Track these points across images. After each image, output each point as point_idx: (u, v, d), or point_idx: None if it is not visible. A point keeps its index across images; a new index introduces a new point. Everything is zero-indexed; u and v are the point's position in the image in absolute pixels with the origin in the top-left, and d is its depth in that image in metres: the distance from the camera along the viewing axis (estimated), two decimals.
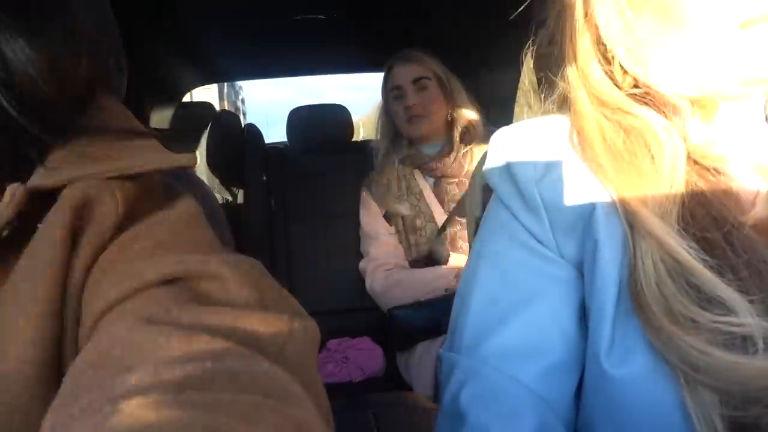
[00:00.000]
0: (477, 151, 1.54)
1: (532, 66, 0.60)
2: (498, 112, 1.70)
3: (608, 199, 0.44)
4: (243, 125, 1.87)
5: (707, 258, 0.39)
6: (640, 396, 0.40)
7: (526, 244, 0.48)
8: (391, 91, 1.56)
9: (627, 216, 0.43)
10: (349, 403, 0.86)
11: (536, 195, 0.48)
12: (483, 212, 0.84)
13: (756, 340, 0.35)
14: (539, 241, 0.48)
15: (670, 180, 0.42)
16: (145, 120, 2.06)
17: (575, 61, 0.49)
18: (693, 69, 0.42)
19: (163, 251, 0.36)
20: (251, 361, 0.27)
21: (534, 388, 0.45)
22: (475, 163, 1.54)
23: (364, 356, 1.55)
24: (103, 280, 0.34)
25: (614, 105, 0.47)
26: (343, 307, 1.76)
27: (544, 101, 0.59)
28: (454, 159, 1.53)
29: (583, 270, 0.46)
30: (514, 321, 0.47)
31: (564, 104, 0.54)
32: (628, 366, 0.40)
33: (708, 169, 0.43)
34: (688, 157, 0.44)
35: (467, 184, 1.52)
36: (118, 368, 0.26)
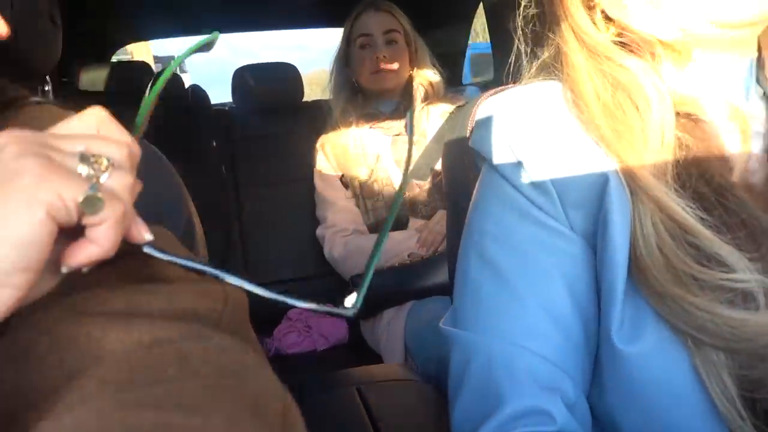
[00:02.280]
0: (433, 109, 1.51)
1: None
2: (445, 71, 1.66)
3: (614, 168, 0.44)
4: (186, 86, 1.75)
5: (705, 216, 0.39)
6: (652, 371, 0.40)
7: (538, 220, 0.47)
8: (357, 39, 1.49)
9: (626, 179, 0.43)
10: (328, 380, 0.83)
11: (542, 170, 0.47)
12: (461, 178, 0.81)
13: (756, 296, 0.36)
14: (551, 216, 0.46)
15: (661, 136, 0.42)
16: (72, 81, 1.89)
17: (564, 13, 0.49)
18: (668, 9, 0.42)
19: None
20: (198, 337, 0.26)
21: (552, 359, 0.44)
22: (431, 122, 1.51)
23: (327, 324, 1.53)
24: None
25: (603, 53, 0.46)
26: (302, 274, 1.72)
27: (529, 67, 0.57)
28: (411, 116, 1.49)
29: (595, 244, 0.45)
30: (530, 301, 0.45)
31: (551, 68, 0.52)
32: (639, 342, 0.41)
33: (694, 122, 0.44)
34: (676, 113, 0.44)
35: (424, 144, 1.50)
36: (52, 368, 0.25)
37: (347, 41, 1.52)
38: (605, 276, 0.43)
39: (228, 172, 1.75)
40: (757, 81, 0.47)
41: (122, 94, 1.81)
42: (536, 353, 0.44)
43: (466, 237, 0.53)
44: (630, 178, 0.42)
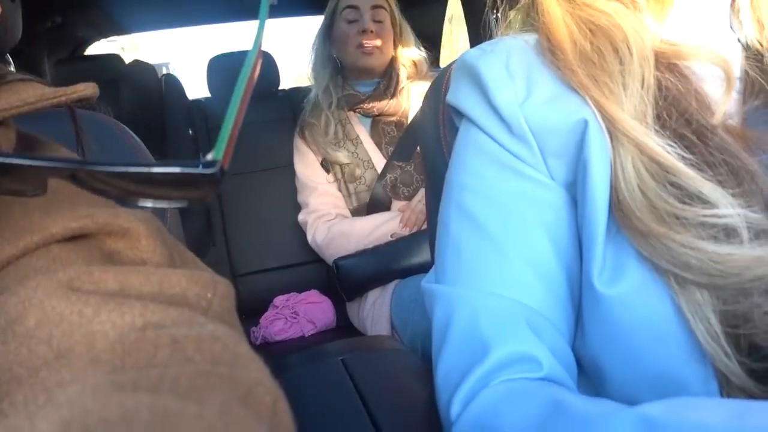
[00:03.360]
0: (414, 88, 1.50)
1: None
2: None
3: (593, 114, 0.43)
4: (160, 76, 1.72)
5: (686, 155, 0.39)
6: (634, 312, 0.40)
7: (518, 171, 0.46)
8: (342, 12, 1.45)
9: (606, 123, 0.42)
10: (311, 354, 0.82)
11: (521, 120, 0.46)
12: (436, 145, 0.80)
13: (740, 231, 0.36)
14: (531, 167, 0.46)
15: (640, 79, 0.42)
16: (42, 76, 1.85)
17: None
18: None
19: (57, 201, 0.33)
20: (192, 323, 0.26)
21: (536, 308, 0.43)
22: (411, 101, 1.50)
23: (313, 309, 1.52)
24: None
25: (580, 0, 0.47)
26: (286, 262, 1.71)
27: (503, 21, 0.58)
28: (392, 96, 1.48)
29: (575, 193, 0.45)
30: (512, 252, 0.45)
31: (526, 19, 0.53)
32: (620, 284, 0.40)
33: (674, 66, 0.43)
34: (656, 57, 0.44)
35: (405, 124, 1.49)
36: (40, 343, 0.24)
37: (332, 15, 1.49)
38: (586, 222, 0.43)
39: None
40: (731, 27, 0.48)
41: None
42: (520, 303, 0.44)
43: (445, 194, 0.52)
44: (609, 122, 0.42)
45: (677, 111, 0.41)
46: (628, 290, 0.40)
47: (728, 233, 0.37)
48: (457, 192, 0.50)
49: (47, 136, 0.42)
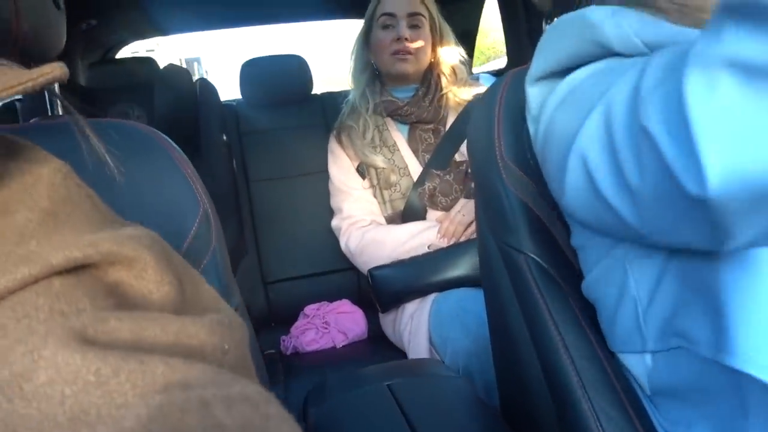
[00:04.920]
0: (451, 96, 1.46)
1: None
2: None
3: None
4: (194, 80, 1.70)
5: None
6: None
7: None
8: (379, 18, 1.43)
9: None
10: (354, 378, 0.79)
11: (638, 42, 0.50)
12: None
13: None
14: None
15: None
16: (76, 79, 1.85)
17: None
18: None
19: (55, 225, 0.30)
20: (219, 382, 0.24)
21: None
22: (450, 108, 1.46)
23: (345, 320, 1.48)
24: None
25: None
26: (317, 269, 1.68)
27: None
28: (430, 102, 1.44)
29: None
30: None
31: None
32: None
33: None
34: None
35: (442, 132, 1.45)
36: (51, 404, 0.22)
37: (370, 20, 1.46)
38: None
39: (239, 167, 1.71)
40: None
41: (128, 91, 1.77)
42: None
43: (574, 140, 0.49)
44: None
45: None
46: None
47: None
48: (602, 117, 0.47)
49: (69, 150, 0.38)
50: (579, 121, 0.48)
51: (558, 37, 0.57)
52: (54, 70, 0.32)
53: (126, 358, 0.23)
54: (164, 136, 0.69)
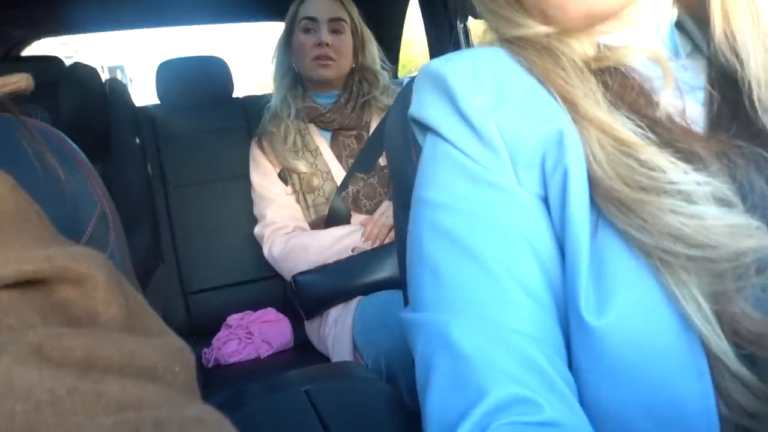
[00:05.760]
0: (374, 102, 1.46)
1: None
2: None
3: (567, 117, 0.43)
4: (104, 80, 1.62)
5: (644, 133, 0.42)
6: (627, 335, 0.38)
7: (490, 182, 0.44)
8: (300, 22, 1.41)
9: (570, 113, 0.44)
10: (272, 384, 0.76)
11: (492, 127, 0.44)
12: (404, 158, 0.75)
13: (709, 199, 0.38)
14: (503, 177, 0.44)
15: (586, 79, 0.45)
16: None
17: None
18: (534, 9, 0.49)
19: (7, 239, 0.30)
20: (173, 404, 0.24)
21: (531, 334, 0.40)
22: (373, 115, 1.46)
23: (269, 329, 1.44)
24: None
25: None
26: (241, 279, 1.63)
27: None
28: (352, 109, 1.43)
29: (549, 204, 0.43)
30: (500, 270, 0.41)
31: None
32: (609, 312, 0.38)
33: (614, 68, 0.46)
34: (593, 61, 0.47)
35: (365, 137, 1.45)
36: (6, 422, 0.21)
37: (291, 23, 1.44)
38: (568, 234, 0.41)
39: (155, 171, 1.64)
40: (678, 41, 0.50)
41: (32, 91, 1.65)
42: (513, 329, 0.39)
43: (415, 214, 0.48)
44: (572, 108, 0.44)
45: (624, 103, 0.44)
46: (619, 315, 0.38)
47: (700, 202, 0.38)
48: (429, 210, 0.46)
49: None
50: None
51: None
52: (20, 81, 0.35)
53: (80, 378, 0.23)
54: (60, 133, 0.65)
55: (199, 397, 0.29)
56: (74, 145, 0.66)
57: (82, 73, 1.53)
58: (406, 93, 0.79)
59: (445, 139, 0.46)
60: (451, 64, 0.48)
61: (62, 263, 0.28)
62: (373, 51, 1.49)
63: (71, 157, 0.64)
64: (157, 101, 1.75)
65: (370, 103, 1.47)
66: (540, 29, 0.49)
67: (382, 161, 1.42)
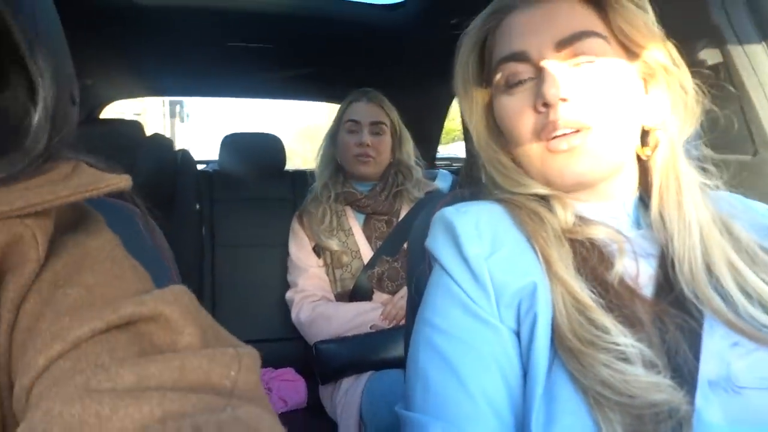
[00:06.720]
0: (405, 192, 1.64)
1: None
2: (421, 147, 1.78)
3: (543, 273, 0.55)
4: (176, 150, 1.85)
5: (595, 298, 0.53)
6: None
7: (478, 316, 0.56)
8: (345, 123, 1.62)
9: (546, 269, 0.55)
10: None
11: (485, 272, 0.57)
12: (421, 270, 0.90)
13: (635, 360, 0.48)
14: (488, 313, 0.56)
15: (561, 245, 0.57)
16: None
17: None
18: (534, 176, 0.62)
19: (92, 298, 0.33)
20: (213, 408, 0.26)
21: None
22: (404, 203, 1.63)
23: (287, 387, 1.57)
24: (29, 342, 0.31)
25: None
26: (269, 336, 1.77)
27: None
28: (386, 197, 1.61)
29: (520, 339, 0.55)
30: (472, 387, 0.53)
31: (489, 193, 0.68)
32: (555, 427, 0.49)
33: (578, 240, 0.58)
34: (567, 231, 0.59)
35: (395, 222, 1.61)
36: None
37: (337, 123, 1.65)
38: (531, 363, 0.52)
39: (207, 231, 1.83)
40: (641, 215, 0.62)
41: (110, 152, 1.87)
42: None
43: (417, 328, 0.61)
44: (547, 263, 0.55)
45: (587, 268, 0.55)
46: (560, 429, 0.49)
47: (629, 360, 0.48)
48: (428, 329, 0.59)
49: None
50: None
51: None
52: (120, 182, 0.37)
53: (122, 397, 0.25)
54: (135, 209, 0.75)
55: (263, 395, 0.31)
56: (152, 222, 0.78)
57: (159, 143, 1.75)
58: (431, 205, 0.95)
59: (449, 274, 0.59)
60: (460, 215, 0.62)
61: (131, 310, 0.31)
62: (409, 149, 1.68)
63: (152, 230, 0.76)
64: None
65: (402, 193, 1.64)
66: (539, 189, 0.61)
67: (407, 246, 1.57)
